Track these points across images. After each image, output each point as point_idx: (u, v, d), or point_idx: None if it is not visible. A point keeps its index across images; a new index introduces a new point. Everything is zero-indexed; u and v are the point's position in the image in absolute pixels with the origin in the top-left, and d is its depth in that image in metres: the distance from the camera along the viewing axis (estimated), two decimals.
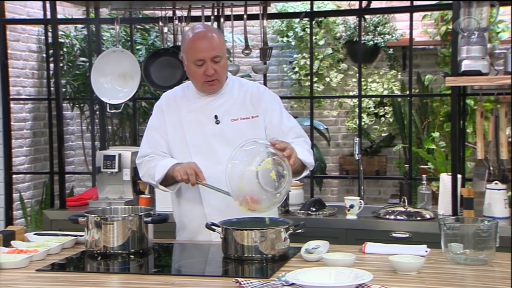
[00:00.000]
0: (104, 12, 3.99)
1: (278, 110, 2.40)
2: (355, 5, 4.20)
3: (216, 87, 2.33)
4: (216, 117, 2.33)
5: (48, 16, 3.59)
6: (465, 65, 2.75)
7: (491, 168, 3.00)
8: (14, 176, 3.89)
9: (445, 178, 2.98)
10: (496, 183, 2.87)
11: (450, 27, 3.27)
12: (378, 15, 4.72)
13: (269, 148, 2.08)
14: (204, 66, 2.26)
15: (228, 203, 2.20)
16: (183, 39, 2.39)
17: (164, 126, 2.38)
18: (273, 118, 2.37)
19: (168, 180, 2.29)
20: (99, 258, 2.07)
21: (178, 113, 2.37)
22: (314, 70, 4.14)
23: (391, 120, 4.78)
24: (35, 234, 2.34)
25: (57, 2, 3.47)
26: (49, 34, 3.73)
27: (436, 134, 4.39)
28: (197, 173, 2.18)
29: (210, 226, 2.12)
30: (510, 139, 3.14)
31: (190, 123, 2.34)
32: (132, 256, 2.09)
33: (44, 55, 4.31)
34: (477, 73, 2.74)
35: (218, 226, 2.09)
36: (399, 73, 4.80)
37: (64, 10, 4.72)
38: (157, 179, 2.29)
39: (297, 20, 4.71)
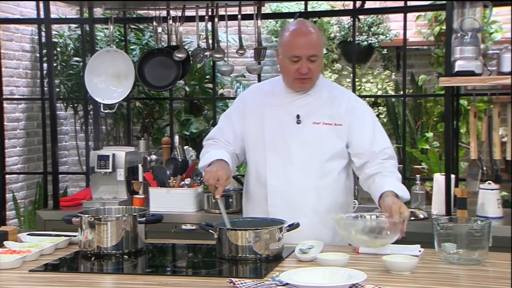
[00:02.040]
0: (98, 11, 3.97)
1: (371, 126, 2.30)
2: (349, 5, 4.21)
3: (307, 86, 2.29)
4: (298, 116, 2.29)
5: (42, 16, 3.57)
6: (459, 65, 2.76)
7: (485, 168, 3.01)
8: (7, 176, 3.88)
9: (439, 178, 2.99)
10: (489, 183, 2.88)
11: (444, 27, 3.28)
12: (372, 16, 4.73)
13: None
14: (299, 63, 2.22)
15: (291, 205, 2.24)
16: (281, 32, 2.34)
17: (240, 118, 2.37)
18: (364, 135, 2.27)
19: None
20: (92, 259, 2.07)
21: (261, 107, 2.34)
22: None
23: (385, 120, 4.78)
24: (28, 234, 2.33)
25: (51, 2, 3.45)
26: (43, 33, 3.72)
27: (430, 134, 4.40)
28: (217, 187, 2.16)
29: (204, 227, 2.12)
30: (503, 139, 3.16)
31: (271, 119, 2.31)
32: (126, 257, 2.08)
33: (38, 54, 4.30)
34: (471, 73, 2.75)
35: (213, 226, 2.09)
36: (393, 74, 4.81)
37: (58, 10, 4.71)
38: (200, 166, 2.36)
39: (291, 20, 4.70)
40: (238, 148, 2.40)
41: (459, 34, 2.79)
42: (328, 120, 2.28)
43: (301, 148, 2.27)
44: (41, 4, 3.61)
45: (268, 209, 2.30)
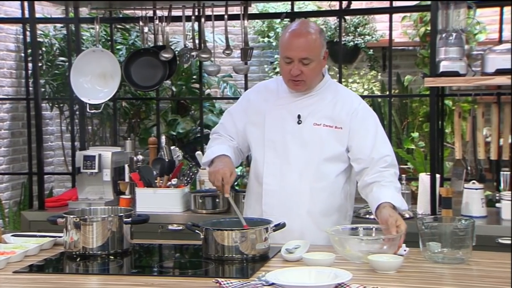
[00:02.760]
0: (84, 11, 3.95)
1: (373, 132, 2.26)
2: (336, 5, 4.22)
3: (301, 88, 2.27)
4: (299, 116, 2.28)
5: (27, 15, 3.55)
6: (443, 66, 2.78)
7: (469, 167, 3.03)
8: None
9: (424, 178, 3.01)
10: (473, 183, 2.91)
11: (429, 28, 3.30)
12: (358, 16, 4.75)
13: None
14: (291, 64, 2.21)
15: (286, 205, 2.24)
16: (283, 31, 2.34)
17: (242, 115, 2.38)
18: (365, 141, 2.24)
19: None
20: (78, 259, 2.06)
21: (264, 104, 2.34)
22: None
23: None
24: (12, 235, 2.32)
25: (36, 1, 3.42)
26: (28, 33, 3.69)
27: (415, 134, 4.43)
28: (223, 185, 2.16)
29: (191, 227, 2.12)
30: (487, 139, 3.19)
31: (272, 118, 2.31)
32: (112, 257, 2.08)
33: (23, 54, 4.26)
34: (455, 74, 2.77)
35: (200, 227, 2.09)
36: (379, 74, 4.84)
37: (43, 9, 4.67)
38: (202, 162, 2.39)
39: (278, 20, 4.72)
40: (240, 144, 2.42)
41: (443, 35, 2.81)
42: (329, 122, 2.26)
43: (300, 149, 2.27)
44: (26, 3, 3.58)
45: (262, 207, 2.30)
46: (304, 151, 2.26)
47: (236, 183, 3.30)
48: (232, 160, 2.29)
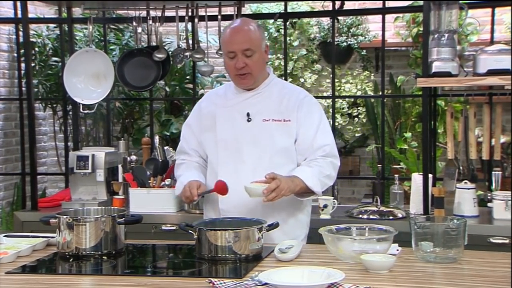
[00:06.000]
0: (77, 11, 3.94)
1: (316, 123, 2.33)
2: (329, 6, 4.23)
3: (248, 81, 2.32)
4: (248, 114, 2.33)
5: (19, 15, 3.54)
6: (436, 66, 2.80)
7: (461, 167, 3.05)
8: None
9: (417, 178, 3.02)
10: (465, 183, 2.93)
11: (421, 29, 3.32)
12: (351, 17, 4.77)
13: None
14: (235, 59, 2.27)
15: (242, 203, 2.25)
16: (223, 31, 2.41)
17: (198, 124, 2.42)
18: (308, 131, 2.31)
19: None
20: (71, 260, 2.05)
21: (214, 108, 2.39)
22: (288, 71, 4.16)
23: (364, 120, 4.83)
24: (5, 236, 2.31)
25: (28, 1, 3.41)
26: (20, 33, 3.68)
27: (408, 134, 4.45)
28: (192, 197, 2.23)
29: (184, 227, 2.12)
30: (479, 139, 3.21)
31: (223, 118, 2.36)
32: (105, 257, 2.08)
33: (15, 54, 4.24)
34: (447, 74, 2.79)
35: (193, 227, 2.09)
36: (372, 74, 4.85)
37: (36, 9, 4.66)
38: (176, 194, 2.46)
39: (271, 21, 4.72)
40: (203, 154, 2.46)
41: (436, 36, 2.83)
42: (277, 117, 2.32)
43: (252, 146, 2.31)
44: (18, 3, 3.57)
45: (219, 206, 2.33)
46: (256, 147, 2.31)
47: None
48: (202, 182, 2.34)
